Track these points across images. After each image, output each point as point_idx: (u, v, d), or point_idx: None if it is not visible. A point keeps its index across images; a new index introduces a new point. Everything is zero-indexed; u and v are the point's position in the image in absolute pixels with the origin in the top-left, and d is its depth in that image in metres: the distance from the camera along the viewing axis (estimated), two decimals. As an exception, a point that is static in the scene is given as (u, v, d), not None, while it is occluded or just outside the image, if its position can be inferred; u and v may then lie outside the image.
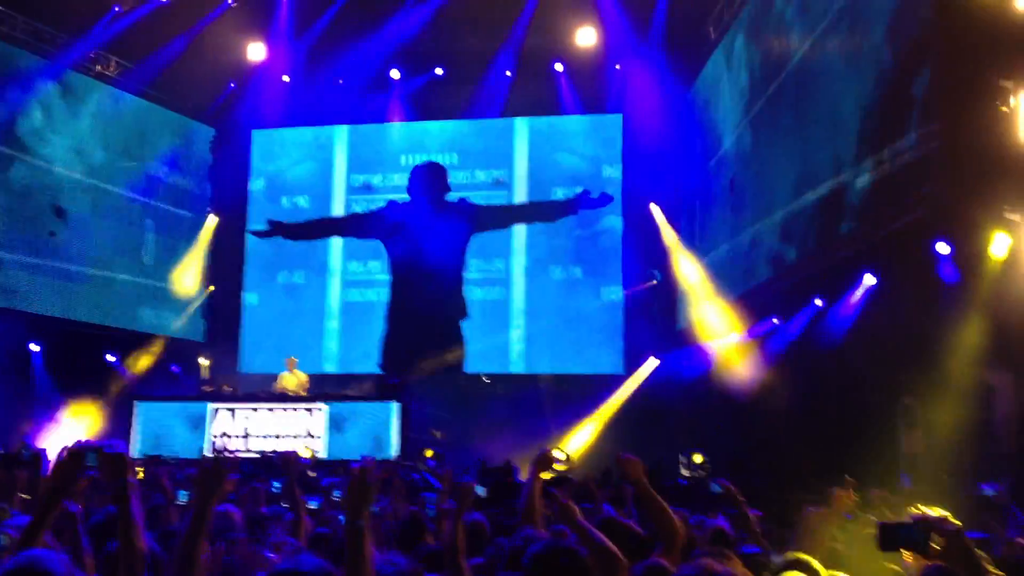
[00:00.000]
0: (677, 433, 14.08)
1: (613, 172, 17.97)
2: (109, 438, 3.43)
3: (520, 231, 18.21)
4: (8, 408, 13.98)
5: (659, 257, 17.09)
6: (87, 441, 3.20)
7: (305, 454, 11.78)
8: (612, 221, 17.78)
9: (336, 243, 18.92)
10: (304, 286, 18.83)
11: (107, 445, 3.29)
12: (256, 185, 19.50)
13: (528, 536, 3.72)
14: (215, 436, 13.28)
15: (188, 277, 18.72)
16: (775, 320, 12.23)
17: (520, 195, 18.29)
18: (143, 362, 16.69)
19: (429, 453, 12.16)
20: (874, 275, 9.82)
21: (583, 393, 16.28)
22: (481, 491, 6.26)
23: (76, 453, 3.14)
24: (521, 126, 18.61)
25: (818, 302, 11.20)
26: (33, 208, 15.68)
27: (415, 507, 5.82)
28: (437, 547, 4.45)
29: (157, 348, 17.07)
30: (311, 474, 9.40)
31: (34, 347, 15.55)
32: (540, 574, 2.89)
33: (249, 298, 19.08)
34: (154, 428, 13.96)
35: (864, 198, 9.50)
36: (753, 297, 12.86)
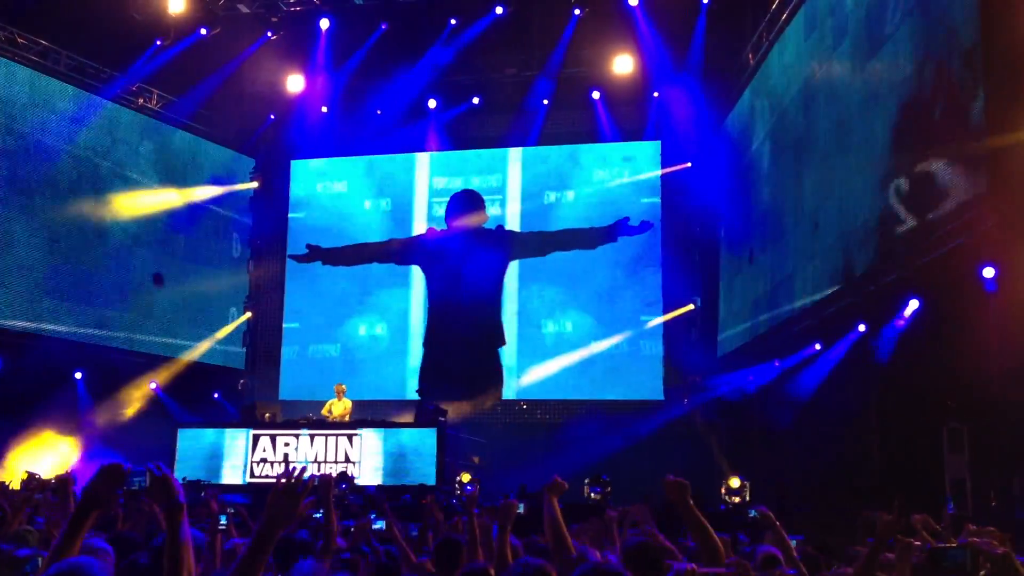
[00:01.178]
0: (717, 459, 13.96)
1: (652, 199, 17.97)
2: (152, 461, 3.48)
3: (558, 256, 18.22)
4: (55, 433, 14.21)
5: (698, 282, 17.05)
6: (129, 464, 3.24)
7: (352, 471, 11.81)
8: (651, 247, 17.75)
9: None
10: (346, 315, 18.95)
11: (153, 467, 3.33)
12: (295, 213, 19.71)
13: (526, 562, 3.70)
14: (288, 461, 13.40)
15: (229, 305, 18.92)
16: (817, 346, 12.12)
17: (557, 223, 18.31)
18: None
19: (466, 478, 12.13)
20: (919, 299, 9.72)
21: (623, 419, 16.18)
22: (521, 508, 6.30)
23: (112, 469, 3.19)
24: (558, 154, 18.67)
25: (861, 327, 11.09)
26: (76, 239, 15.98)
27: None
28: (483, 564, 4.46)
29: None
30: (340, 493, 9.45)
31: (77, 375, 15.78)
32: None
33: (289, 325, 19.23)
34: (195, 454, 14.07)
35: (908, 224, 9.43)
36: (794, 323, 12.76)
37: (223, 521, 6.08)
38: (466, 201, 18.77)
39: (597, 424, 15.94)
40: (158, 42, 16.66)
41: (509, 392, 17.69)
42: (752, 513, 7.67)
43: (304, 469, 3.20)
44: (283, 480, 2.98)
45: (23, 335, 14.79)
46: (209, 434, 14.39)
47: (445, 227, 18.76)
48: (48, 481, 9.09)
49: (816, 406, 11.69)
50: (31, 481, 8.78)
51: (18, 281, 14.93)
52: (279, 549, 5.37)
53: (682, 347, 16.88)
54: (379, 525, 6.59)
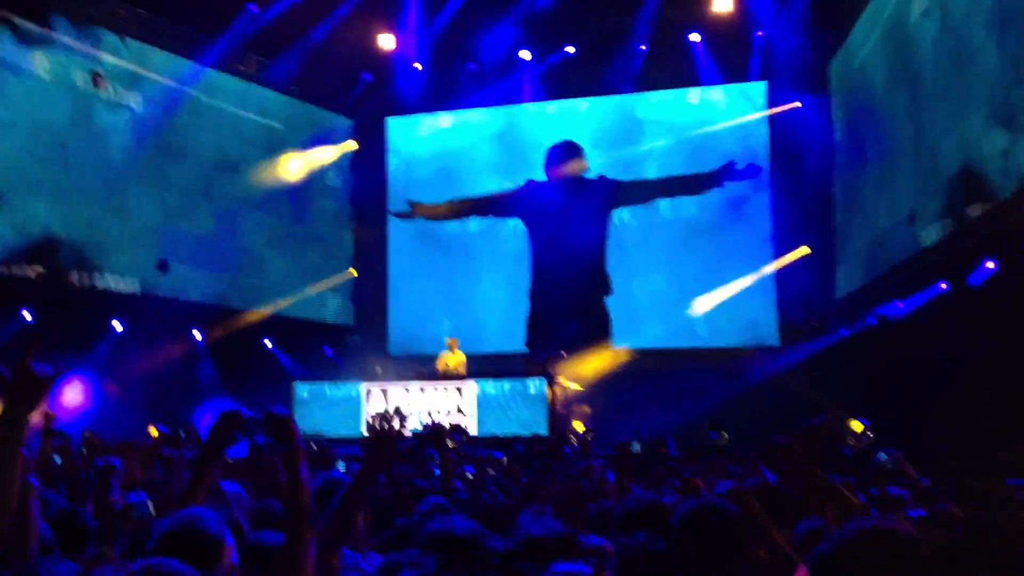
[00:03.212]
0: (840, 401, 13.59)
1: (758, 141, 17.47)
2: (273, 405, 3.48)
3: (664, 203, 17.92)
4: (174, 392, 14.70)
5: (810, 225, 16.57)
6: (246, 410, 3.25)
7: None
8: (759, 191, 17.30)
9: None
10: (451, 266, 19.04)
11: (274, 409, 3.33)
12: (394, 171, 19.83)
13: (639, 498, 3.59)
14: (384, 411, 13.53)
15: (335, 263, 19.24)
16: (943, 285, 11.64)
17: (659, 170, 17.98)
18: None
19: (580, 427, 12.10)
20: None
21: (736, 366, 15.89)
22: (636, 447, 6.30)
23: (232, 416, 3.20)
24: (658, 100, 18.28)
25: (989, 264, 10.61)
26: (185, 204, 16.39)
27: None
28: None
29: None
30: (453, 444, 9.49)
31: (196, 334, 16.27)
32: (691, 535, 2.71)
33: (395, 281, 19.44)
34: (310, 409, 14.37)
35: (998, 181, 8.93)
36: (917, 263, 12.27)
37: (341, 468, 6.16)
38: (565, 151, 18.58)
39: (710, 371, 15.71)
40: (252, 7, 16.80)
41: (618, 341, 17.53)
42: (881, 456, 7.41)
43: (398, 410, 3.13)
44: (376, 425, 2.96)
45: (140, 298, 15.27)
46: (323, 388, 14.67)
47: (544, 179, 18.61)
48: (175, 438, 9.38)
49: (943, 346, 11.24)
50: (160, 439, 9.05)
51: (133, 246, 15.39)
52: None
53: (797, 291, 16.45)
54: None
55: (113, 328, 14.95)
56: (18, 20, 13.82)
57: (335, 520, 2.93)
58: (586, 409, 14.60)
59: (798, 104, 16.80)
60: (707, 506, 2.82)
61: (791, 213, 16.77)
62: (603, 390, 15.62)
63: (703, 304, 17.12)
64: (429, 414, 13.25)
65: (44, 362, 2.25)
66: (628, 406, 14.38)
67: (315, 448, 8.36)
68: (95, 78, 15.11)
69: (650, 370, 16.77)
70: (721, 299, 17.04)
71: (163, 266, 14.88)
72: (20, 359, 2.22)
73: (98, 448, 7.93)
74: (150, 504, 3.70)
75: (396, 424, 3.02)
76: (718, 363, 16.34)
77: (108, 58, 15.20)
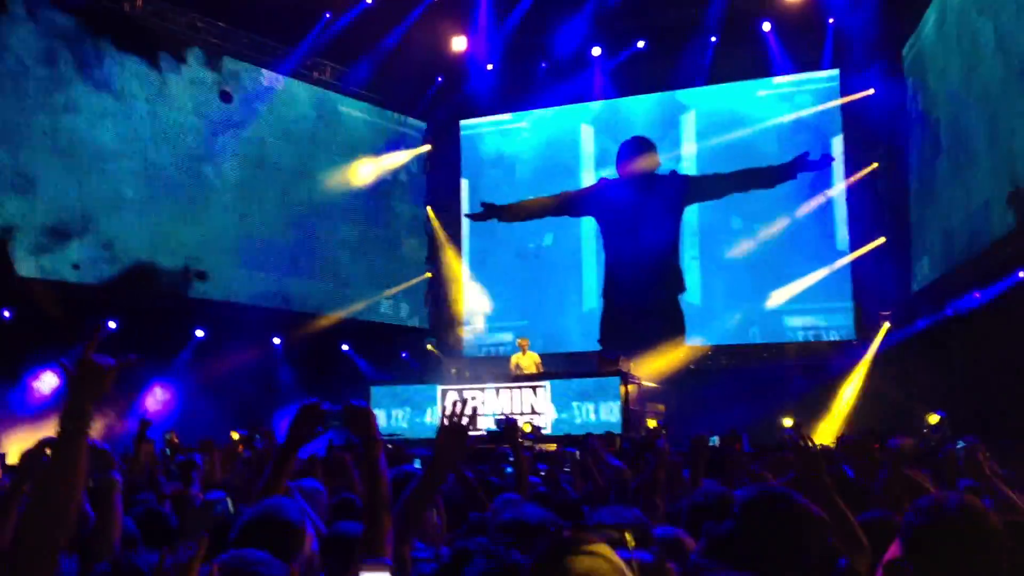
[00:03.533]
0: (917, 395, 13.31)
1: (832, 131, 17.17)
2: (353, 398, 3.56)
3: (737, 196, 17.72)
4: (254, 397, 15.02)
5: (885, 215, 16.24)
6: (327, 404, 3.34)
7: (526, 429, 11.96)
8: (834, 182, 17.00)
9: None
10: (525, 266, 19.11)
11: (353, 400, 3.42)
12: (468, 173, 19.97)
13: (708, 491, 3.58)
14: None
15: (411, 267, 19.44)
16: (1021, 274, 11.31)
17: (732, 163, 17.77)
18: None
19: (652, 424, 12.04)
20: None
21: (812, 361, 15.64)
22: (714, 440, 6.30)
23: (310, 408, 3.29)
24: (730, 92, 18.09)
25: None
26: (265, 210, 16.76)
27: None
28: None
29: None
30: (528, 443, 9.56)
31: (276, 340, 16.61)
32: (753, 521, 2.71)
33: (469, 283, 19.58)
34: (387, 411, 14.55)
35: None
36: (995, 252, 11.95)
37: (417, 465, 6.25)
38: (637, 147, 18.49)
39: (787, 367, 15.49)
40: (327, 15, 17.09)
41: (692, 337, 17.39)
42: (960, 444, 7.22)
43: (466, 403, 3.18)
44: (449, 418, 3.01)
45: (222, 304, 15.65)
46: (400, 391, 14.84)
47: (617, 176, 18.56)
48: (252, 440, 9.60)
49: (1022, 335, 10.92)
50: (239, 442, 9.27)
51: (212, 254, 15.79)
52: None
53: (873, 283, 16.11)
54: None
55: (195, 335, 15.36)
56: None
57: (407, 510, 2.99)
58: (660, 407, 14.52)
59: (871, 91, 16.46)
60: (767, 492, 2.82)
61: (866, 204, 16.43)
62: (677, 387, 15.52)
63: (779, 297, 16.89)
64: (503, 412, 13.31)
65: (106, 355, 2.28)
66: (703, 403, 14.25)
67: (390, 447, 8.49)
68: (222, 94, 15.75)
69: (725, 366, 16.63)
70: (797, 291, 16.78)
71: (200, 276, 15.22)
72: (82, 352, 2.26)
73: (179, 448, 8.21)
74: (229, 501, 3.81)
75: (468, 414, 3.07)
76: (795, 357, 16.10)
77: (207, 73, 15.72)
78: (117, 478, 3.37)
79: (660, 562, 2.49)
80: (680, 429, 13.14)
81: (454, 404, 3.10)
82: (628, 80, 18.61)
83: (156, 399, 14.34)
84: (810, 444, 3.33)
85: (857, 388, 15.17)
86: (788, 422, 12.59)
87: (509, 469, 7.06)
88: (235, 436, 9.80)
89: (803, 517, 2.66)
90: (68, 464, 2.20)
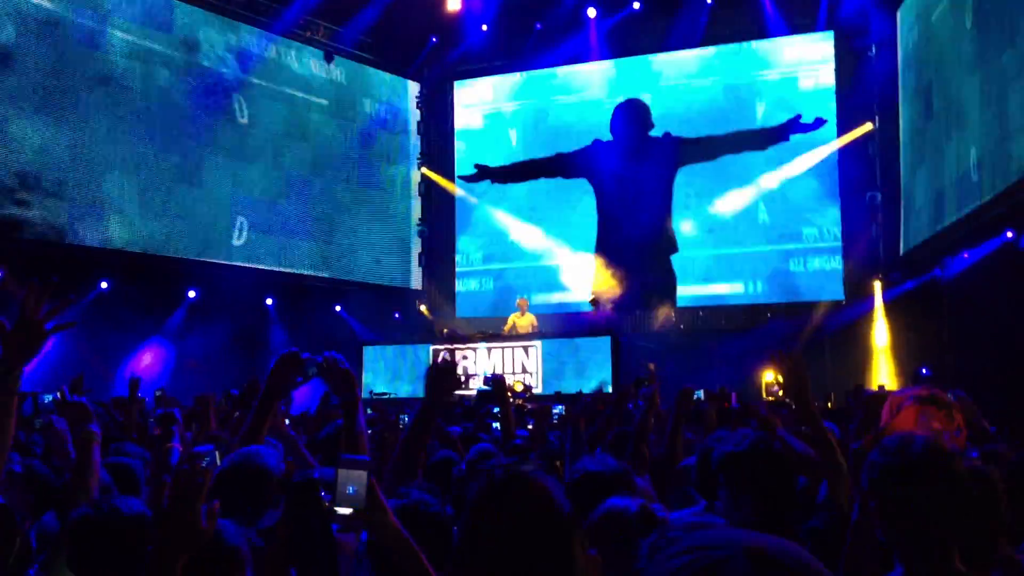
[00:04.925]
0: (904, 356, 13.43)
1: (825, 93, 17.14)
2: (329, 351, 3.65)
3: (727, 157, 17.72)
4: (246, 358, 15.13)
5: (877, 176, 16.26)
6: (307, 353, 3.41)
7: (516, 388, 12.06)
8: (826, 146, 16.98)
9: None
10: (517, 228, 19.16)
11: (330, 355, 3.50)
12: (461, 134, 19.94)
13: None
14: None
15: (403, 228, 19.47)
16: (1009, 234, 11.37)
17: (726, 125, 17.74)
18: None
19: (653, 370, 12.07)
20: None
21: (803, 321, 15.71)
22: (699, 394, 6.40)
23: (290, 357, 3.36)
24: (724, 53, 18.02)
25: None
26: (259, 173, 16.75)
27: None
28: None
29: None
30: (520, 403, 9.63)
31: (268, 301, 16.68)
32: (739, 470, 2.81)
33: (462, 244, 19.61)
34: (380, 371, 14.68)
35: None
36: (984, 212, 12.01)
37: (405, 420, 6.34)
38: (630, 110, 18.46)
39: (777, 327, 15.57)
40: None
41: (683, 299, 17.47)
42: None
43: (454, 354, 3.33)
44: (440, 359, 3.09)
45: (215, 265, 15.69)
46: (391, 351, 14.94)
47: (611, 138, 18.53)
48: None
49: (1010, 295, 11.01)
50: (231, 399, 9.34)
51: (207, 215, 15.80)
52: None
53: (862, 244, 16.18)
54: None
55: (187, 296, 15.42)
56: None
57: (405, 451, 3.10)
58: (651, 366, 14.59)
59: (871, 50, 16.39)
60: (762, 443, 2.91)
61: (858, 165, 16.44)
62: (668, 347, 15.61)
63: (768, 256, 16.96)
64: (493, 368, 13.44)
65: (45, 315, 2.25)
66: (694, 363, 14.34)
67: (369, 411, 8.60)
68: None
69: (716, 327, 16.70)
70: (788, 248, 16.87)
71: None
72: (20, 311, 2.23)
73: (166, 403, 8.31)
74: (217, 455, 3.89)
75: (458, 362, 3.18)
76: (786, 318, 16.18)
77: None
78: (95, 430, 3.44)
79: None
80: (672, 389, 13.23)
81: (445, 353, 3.22)
82: (623, 42, 18.51)
83: (149, 359, 14.43)
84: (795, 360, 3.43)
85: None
86: (769, 376, 12.77)
87: (496, 425, 7.16)
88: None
89: (789, 461, 2.78)
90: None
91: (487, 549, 1.65)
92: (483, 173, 19.28)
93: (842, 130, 16.83)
